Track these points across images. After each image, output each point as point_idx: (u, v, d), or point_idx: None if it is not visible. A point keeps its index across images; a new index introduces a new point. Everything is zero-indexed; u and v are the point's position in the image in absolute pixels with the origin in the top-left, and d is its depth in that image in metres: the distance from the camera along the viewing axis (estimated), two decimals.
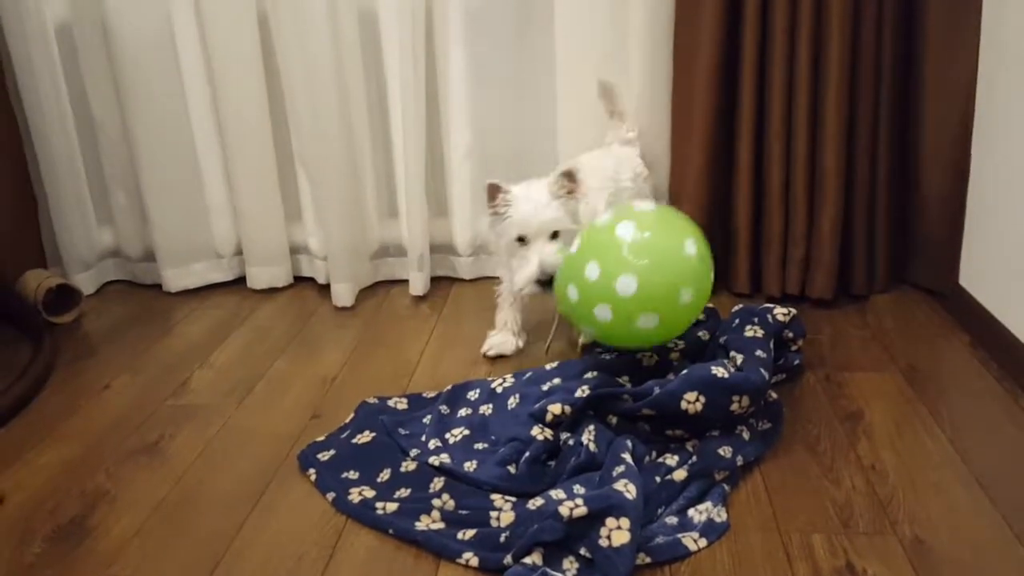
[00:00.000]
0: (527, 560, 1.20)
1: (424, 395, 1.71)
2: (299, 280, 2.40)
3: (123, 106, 2.22)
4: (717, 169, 2.06)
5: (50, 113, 2.22)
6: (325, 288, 2.28)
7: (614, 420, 1.50)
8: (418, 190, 2.19)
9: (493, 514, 1.32)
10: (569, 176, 1.68)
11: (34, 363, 1.88)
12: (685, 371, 1.47)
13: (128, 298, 2.36)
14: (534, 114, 2.20)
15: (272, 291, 2.35)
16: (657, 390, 1.45)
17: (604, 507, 1.21)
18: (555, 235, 1.67)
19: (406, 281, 2.30)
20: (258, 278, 2.34)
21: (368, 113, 2.23)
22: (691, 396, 1.43)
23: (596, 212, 1.77)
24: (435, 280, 2.33)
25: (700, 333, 1.74)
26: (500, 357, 1.88)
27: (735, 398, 1.44)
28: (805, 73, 1.92)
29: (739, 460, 1.42)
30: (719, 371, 1.45)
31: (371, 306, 2.23)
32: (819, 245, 2.01)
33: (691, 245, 1.51)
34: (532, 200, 1.67)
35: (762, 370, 1.50)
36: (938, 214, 2.02)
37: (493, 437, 1.52)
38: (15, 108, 2.23)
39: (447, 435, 1.54)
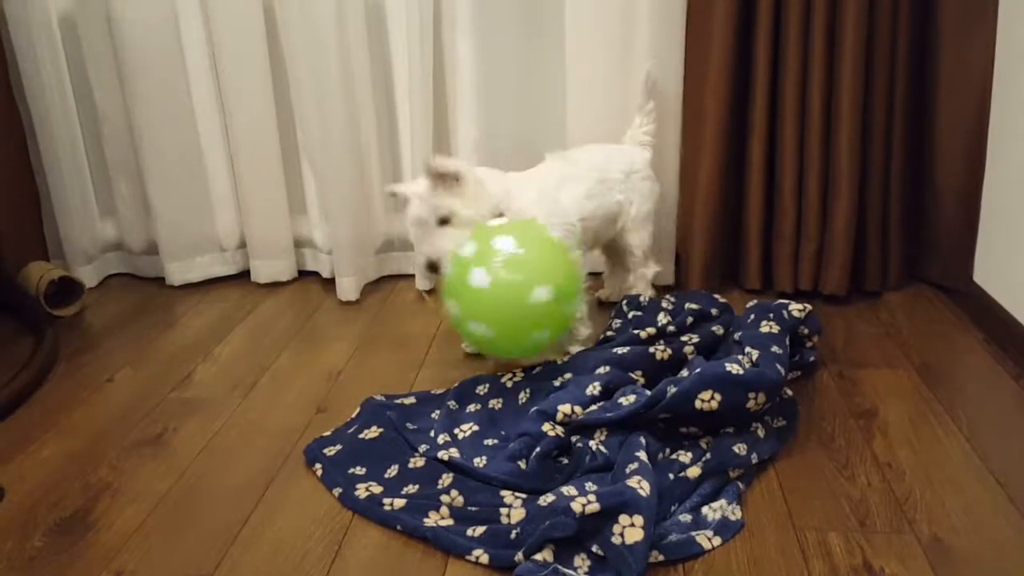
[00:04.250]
0: (538, 557, 1.17)
1: (432, 392, 1.69)
2: (303, 274, 2.37)
3: (127, 98, 2.20)
4: (729, 163, 2.04)
5: (53, 105, 2.20)
6: (330, 282, 2.26)
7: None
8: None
9: (503, 511, 1.29)
10: (431, 170, 1.68)
11: (36, 355, 1.86)
12: (699, 369, 1.44)
13: (131, 291, 2.34)
14: (543, 106, 2.17)
15: (276, 285, 2.33)
16: (672, 389, 1.42)
17: (617, 504, 1.18)
18: (445, 221, 1.68)
19: (412, 276, 2.27)
20: (262, 272, 2.32)
21: (374, 106, 2.20)
22: (706, 395, 1.40)
23: (571, 198, 1.82)
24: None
25: (714, 327, 1.72)
26: (478, 355, 1.86)
27: (751, 395, 1.42)
28: (819, 68, 1.90)
29: (754, 458, 1.39)
30: (734, 368, 1.42)
31: (376, 300, 2.21)
32: (832, 241, 1.99)
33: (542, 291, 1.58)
34: (413, 194, 1.71)
35: (778, 366, 1.48)
36: (953, 210, 2.00)
37: (503, 432, 1.50)
38: (18, 100, 2.21)
39: (456, 430, 1.52)
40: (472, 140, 2.17)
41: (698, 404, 1.39)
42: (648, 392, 1.45)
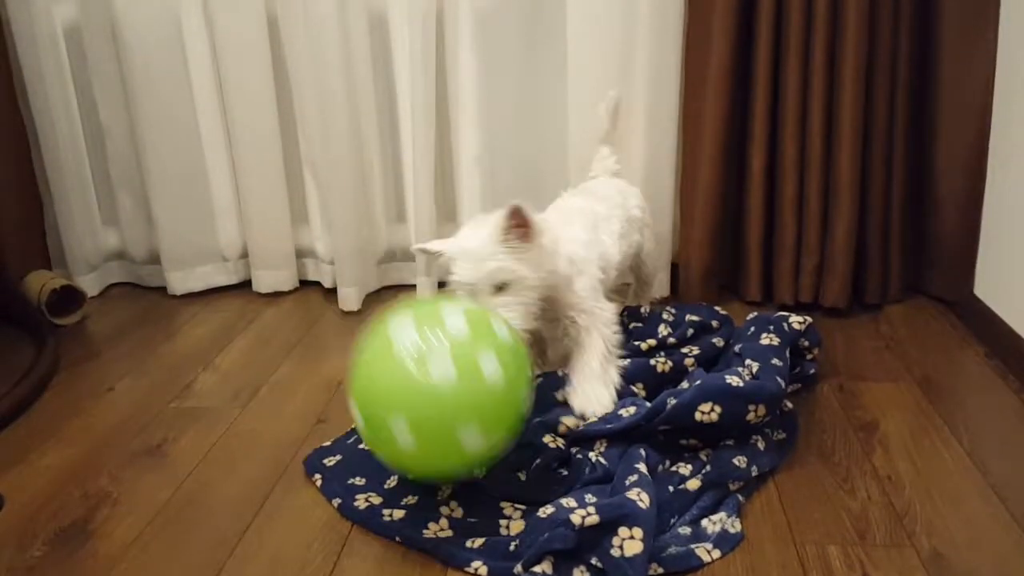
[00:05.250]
0: (537, 569, 1.17)
1: None
2: (305, 284, 2.38)
3: (131, 108, 2.21)
4: (729, 174, 2.04)
5: (57, 115, 2.21)
6: (331, 292, 2.26)
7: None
8: (427, 195, 2.17)
9: (503, 522, 1.29)
10: (516, 215, 1.40)
11: (37, 364, 1.86)
12: (699, 381, 1.44)
13: (132, 300, 2.34)
14: (545, 119, 2.18)
15: (277, 295, 2.33)
16: (672, 401, 1.42)
17: (617, 516, 1.18)
18: (502, 287, 1.43)
19: (413, 286, 2.28)
20: (264, 282, 2.33)
21: (377, 117, 2.21)
22: (706, 407, 1.40)
23: (612, 239, 1.67)
24: (442, 285, 2.30)
25: (715, 340, 1.72)
26: None
27: (751, 407, 1.41)
28: (820, 80, 1.91)
29: (754, 470, 1.39)
30: (733, 380, 1.42)
31: (378, 311, 2.20)
32: (833, 253, 1.99)
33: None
34: (466, 253, 1.44)
35: (778, 378, 1.47)
36: (953, 223, 2.00)
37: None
38: (22, 110, 2.22)
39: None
40: (474, 153, 2.18)
41: (698, 416, 1.39)
42: (648, 404, 1.44)
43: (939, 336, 1.94)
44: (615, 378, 1.54)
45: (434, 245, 1.50)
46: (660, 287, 2.14)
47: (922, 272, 2.11)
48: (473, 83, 2.13)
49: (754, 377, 1.48)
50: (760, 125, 1.98)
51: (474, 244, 1.43)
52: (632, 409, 1.44)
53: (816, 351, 1.73)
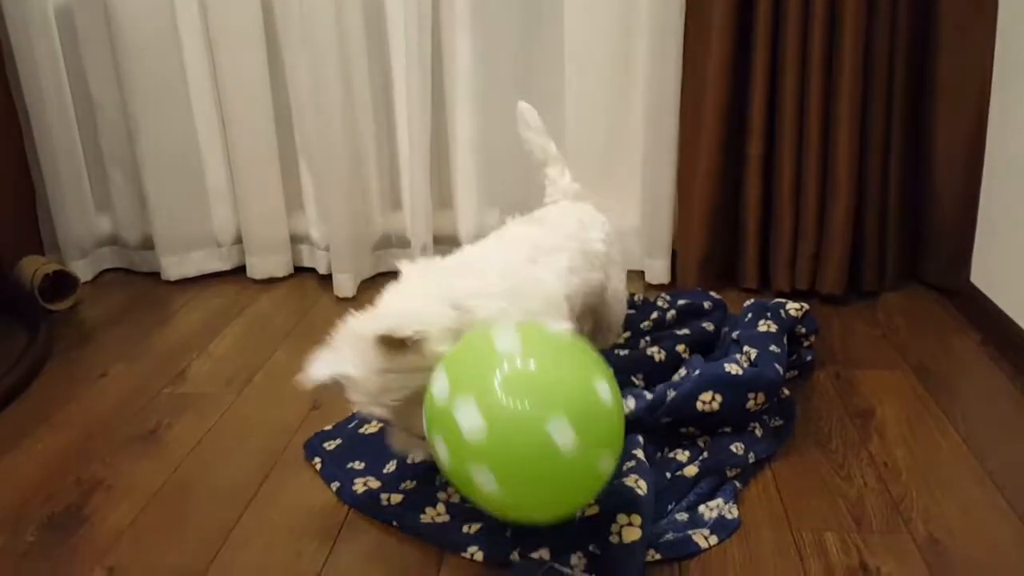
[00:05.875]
0: (534, 555, 1.17)
1: None
2: (300, 270, 2.36)
3: (123, 92, 2.19)
4: (727, 161, 2.03)
5: (50, 98, 2.19)
6: (326, 279, 2.25)
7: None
8: (422, 181, 2.16)
9: None
10: (388, 343, 1.15)
11: (30, 350, 1.85)
12: (698, 371, 1.44)
13: (125, 286, 2.33)
14: (541, 105, 2.14)
15: (272, 281, 2.32)
16: (671, 393, 1.41)
17: (615, 504, 1.18)
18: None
19: None
20: (258, 268, 2.31)
21: (372, 102, 2.19)
22: (707, 396, 1.40)
23: (553, 274, 1.38)
24: None
25: (705, 324, 1.71)
26: None
27: (751, 395, 1.42)
28: (818, 66, 1.90)
29: (751, 457, 1.39)
30: (732, 368, 1.42)
31: (373, 297, 2.19)
32: (830, 240, 1.99)
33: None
34: (355, 385, 1.20)
35: (776, 365, 1.47)
36: (950, 211, 1.99)
37: None
38: (14, 93, 2.20)
39: None
40: (470, 138, 2.17)
41: (699, 406, 1.39)
42: (648, 395, 1.44)
43: (935, 324, 1.94)
44: None
45: (322, 372, 1.23)
46: (660, 275, 2.08)
47: (918, 260, 2.11)
48: (469, 68, 2.11)
49: (752, 364, 1.48)
50: (758, 113, 1.97)
51: (361, 376, 1.18)
52: (632, 402, 1.44)
53: (813, 338, 1.73)
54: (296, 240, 2.35)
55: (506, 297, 1.27)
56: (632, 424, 1.40)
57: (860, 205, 2.00)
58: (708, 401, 1.40)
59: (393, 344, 1.14)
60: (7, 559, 1.26)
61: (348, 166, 2.17)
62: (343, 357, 1.20)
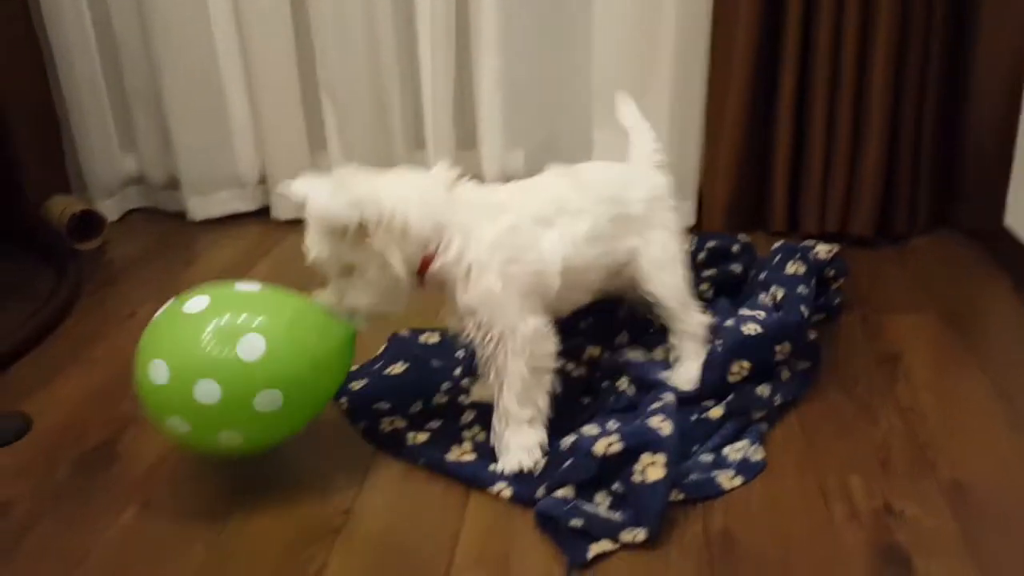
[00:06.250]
0: (559, 494, 1.18)
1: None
2: None
3: (146, 31, 2.17)
4: (756, 102, 1.99)
5: (73, 38, 2.18)
6: None
7: None
8: (445, 120, 2.14)
9: None
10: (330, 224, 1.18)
11: (59, 289, 1.87)
12: (719, 343, 1.40)
13: (152, 226, 2.34)
14: (568, 42, 2.12)
15: (296, 222, 2.30)
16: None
17: (639, 443, 1.18)
18: (349, 270, 1.24)
19: None
20: (282, 208, 2.31)
21: (396, 40, 2.16)
22: (735, 368, 1.38)
23: (563, 241, 1.30)
24: None
25: (732, 266, 1.70)
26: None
27: (777, 347, 1.40)
28: (854, 1, 1.84)
29: (777, 399, 1.39)
30: (750, 328, 1.40)
31: None
32: (861, 181, 1.95)
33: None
34: (313, 216, 1.22)
35: (802, 307, 1.46)
36: (986, 152, 1.94)
37: None
38: (38, 33, 2.18)
39: (481, 371, 1.51)
40: (495, 73, 2.13)
41: (731, 378, 1.38)
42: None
43: (966, 267, 1.91)
44: (542, 408, 1.29)
45: (299, 190, 1.24)
46: (685, 216, 2.02)
47: (951, 203, 2.07)
48: (494, 3, 2.07)
49: (776, 306, 1.46)
50: (791, 50, 1.92)
51: (323, 203, 1.18)
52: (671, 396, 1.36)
53: (841, 281, 1.71)
54: None
55: (488, 250, 1.24)
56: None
57: (893, 146, 1.95)
58: (737, 372, 1.38)
59: (335, 226, 1.17)
60: (42, 496, 1.29)
61: (371, 105, 2.15)
62: (316, 193, 1.20)
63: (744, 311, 1.48)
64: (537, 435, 1.28)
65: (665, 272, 1.41)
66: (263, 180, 2.34)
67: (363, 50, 2.09)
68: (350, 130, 2.15)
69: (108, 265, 2.11)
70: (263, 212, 2.35)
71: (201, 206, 2.32)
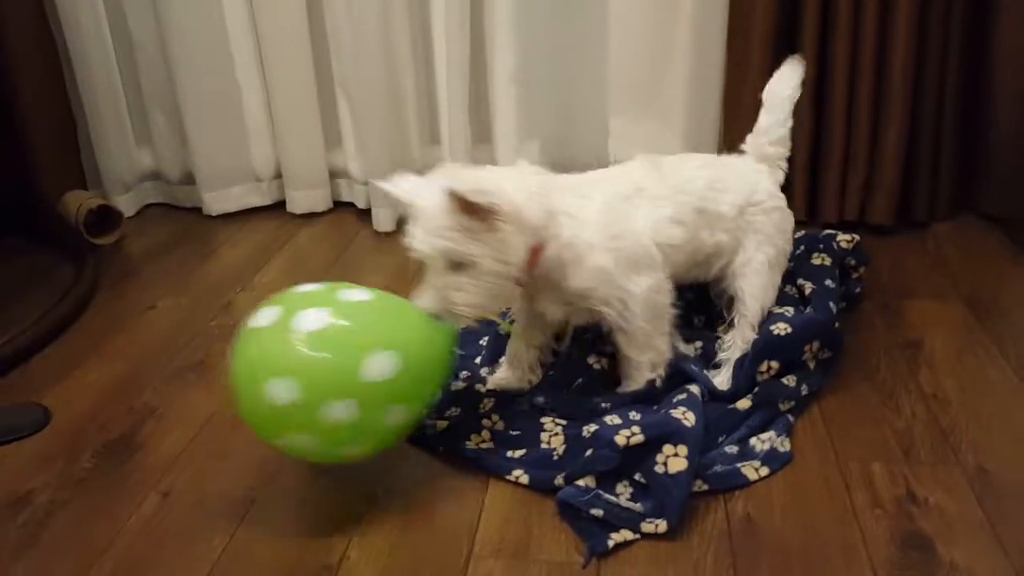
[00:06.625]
0: (580, 483, 1.18)
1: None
2: (339, 205, 2.36)
3: (162, 26, 2.17)
4: None
5: (89, 33, 2.18)
6: (365, 213, 2.24)
7: None
8: (460, 115, 2.13)
9: (544, 436, 1.30)
10: (457, 201, 1.14)
11: (78, 284, 1.88)
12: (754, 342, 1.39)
13: (168, 221, 2.34)
14: (584, 37, 2.11)
15: (312, 216, 2.32)
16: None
17: (661, 434, 1.18)
18: (458, 265, 1.19)
19: None
20: (298, 202, 2.31)
21: (411, 35, 2.15)
22: (763, 367, 1.36)
23: (651, 218, 1.32)
24: None
25: None
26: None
27: (806, 347, 1.39)
28: None
29: (804, 389, 1.37)
30: (779, 328, 1.38)
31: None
32: (881, 168, 1.93)
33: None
34: (422, 217, 1.20)
35: (831, 304, 1.45)
36: (1007, 137, 1.92)
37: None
38: (54, 29, 2.19)
39: (501, 359, 1.51)
40: (509, 70, 2.12)
41: (759, 377, 1.37)
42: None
43: (988, 254, 1.89)
44: (662, 351, 1.35)
45: (400, 188, 1.24)
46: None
47: (972, 188, 2.05)
48: None
49: (803, 299, 1.45)
50: (810, 37, 1.90)
51: (432, 205, 1.17)
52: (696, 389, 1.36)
53: (862, 270, 1.70)
54: (335, 175, 2.34)
55: (593, 227, 1.27)
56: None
57: (913, 132, 1.93)
58: (766, 371, 1.37)
59: (464, 205, 1.14)
60: (66, 484, 1.30)
61: (386, 100, 2.14)
62: (423, 188, 1.20)
63: (773, 308, 1.46)
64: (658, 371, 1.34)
65: (745, 279, 1.42)
66: (278, 175, 2.34)
67: (378, 46, 2.08)
68: (365, 125, 2.14)
69: (125, 260, 2.12)
70: (279, 206, 2.36)
71: (217, 201, 2.32)
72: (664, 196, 1.35)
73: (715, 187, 1.40)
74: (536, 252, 1.24)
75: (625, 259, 1.29)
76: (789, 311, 1.44)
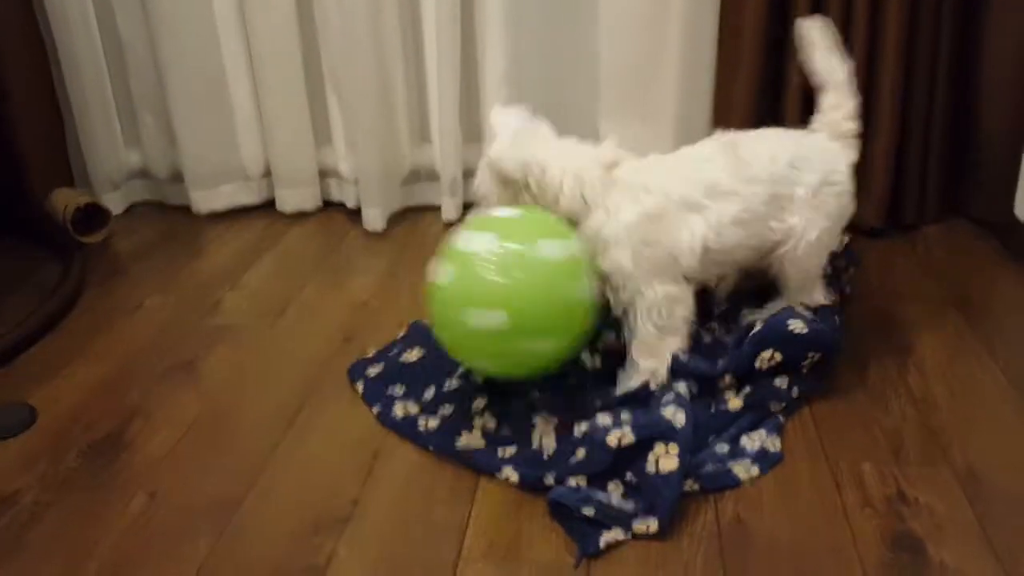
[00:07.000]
0: (571, 482, 1.18)
1: None
2: (329, 204, 2.35)
3: (150, 25, 2.15)
4: (765, 92, 1.97)
5: (77, 32, 2.16)
6: (355, 213, 2.23)
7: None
8: (451, 113, 2.12)
9: (535, 434, 1.30)
10: (496, 169, 1.36)
11: (64, 282, 1.87)
12: (760, 328, 1.38)
13: (156, 219, 2.33)
14: (574, 37, 2.11)
15: (301, 215, 2.30)
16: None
17: (652, 434, 1.18)
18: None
19: (438, 207, 2.25)
20: (287, 201, 2.30)
21: (401, 33, 2.14)
22: (767, 354, 1.35)
23: (703, 227, 1.33)
24: (468, 206, 2.28)
25: None
26: None
27: (810, 354, 1.37)
28: None
29: (795, 392, 1.37)
30: (796, 326, 1.36)
31: (403, 231, 2.19)
32: (871, 173, 1.93)
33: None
34: (487, 159, 1.41)
35: (836, 318, 1.46)
36: (996, 141, 1.93)
37: None
38: (42, 27, 2.18)
39: None
40: (501, 70, 2.12)
41: (758, 363, 1.35)
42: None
43: (977, 257, 1.90)
44: (665, 360, 1.35)
45: (495, 123, 1.44)
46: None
47: (961, 192, 2.06)
48: None
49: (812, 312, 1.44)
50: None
51: (495, 152, 1.38)
52: (702, 364, 1.38)
53: (852, 271, 1.70)
54: (325, 174, 2.33)
55: (624, 229, 1.31)
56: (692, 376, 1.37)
57: (903, 135, 1.94)
58: (768, 359, 1.35)
59: (499, 172, 1.35)
60: (49, 486, 1.28)
61: (376, 99, 2.13)
62: (503, 141, 1.39)
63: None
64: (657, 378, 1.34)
65: (808, 256, 1.40)
66: (268, 173, 2.33)
67: (368, 44, 2.07)
68: (355, 124, 2.13)
69: (113, 258, 2.10)
70: (268, 205, 2.34)
71: (205, 199, 2.30)
72: (737, 191, 1.33)
73: (795, 165, 1.37)
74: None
75: (647, 266, 1.32)
76: (808, 314, 1.42)
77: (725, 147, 1.38)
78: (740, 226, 1.34)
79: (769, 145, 1.40)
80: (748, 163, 1.35)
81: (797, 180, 1.37)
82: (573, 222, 1.34)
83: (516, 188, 1.35)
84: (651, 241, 1.31)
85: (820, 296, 1.46)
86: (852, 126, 1.45)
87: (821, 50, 1.47)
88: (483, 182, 1.41)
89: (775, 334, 1.36)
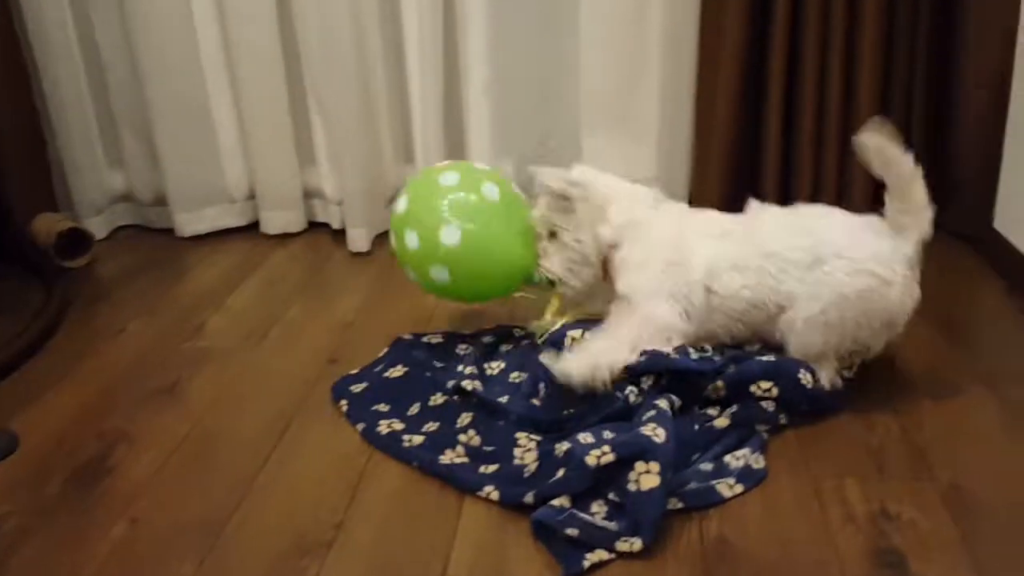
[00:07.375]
0: (555, 503, 1.17)
1: (461, 332, 1.69)
2: (313, 225, 2.35)
3: (132, 47, 2.16)
4: (745, 111, 2.00)
5: (59, 54, 2.17)
6: (340, 233, 2.24)
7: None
8: (435, 129, 2.14)
9: (517, 452, 1.30)
10: (547, 190, 1.50)
11: (47, 306, 1.86)
12: (772, 358, 1.39)
13: (140, 242, 2.33)
14: (556, 48, 2.13)
15: (286, 236, 2.31)
16: (732, 367, 1.38)
17: (633, 452, 1.17)
18: (553, 235, 1.51)
19: None
20: (272, 223, 2.30)
21: (384, 53, 2.16)
22: (766, 384, 1.35)
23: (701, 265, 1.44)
24: None
25: None
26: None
27: (807, 406, 1.38)
28: (840, 8, 1.85)
29: (782, 419, 1.36)
30: (805, 378, 1.36)
31: (387, 252, 2.16)
32: (851, 185, 1.96)
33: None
34: (543, 189, 1.52)
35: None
36: (973, 155, 1.95)
37: (527, 373, 1.48)
38: (23, 50, 2.18)
39: (485, 365, 1.52)
40: (483, 83, 2.13)
41: (753, 389, 1.35)
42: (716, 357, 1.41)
43: (958, 271, 1.91)
44: (603, 371, 1.35)
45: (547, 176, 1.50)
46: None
47: (941, 207, 2.07)
48: (483, 10, 2.07)
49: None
50: (778, 59, 1.93)
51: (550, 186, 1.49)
52: (695, 356, 1.40)
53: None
54: (309, 195, 2.33)
55: (659, 269, 1.44)
56: (683, 380, 1.37)
57: None
58: (767, 389, 1.35)
59: (554, 194, 1.48)
60: (32, 512, 1.27)
61: (360, 119, 2.14)
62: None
63: None
64: (578, 368, 1.35)
65: (801, 335, 1.39)
66: (252, 195, 2.33)
67: (351, 64, 2.08)
68: (339, 145, 2.14)
69: (96, 282, 2.09)
70: (253, 227, 2.34)
71: (190, 222, 2.31)
72: (736, 233, 1.46)
73: (811, 234, 1.40)
74: (607, 258, 1.49)
75: (667, 290, 1.43)
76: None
77: (762, 214, 1.51)
78: (738, 272, 1.42)
79: (793, 217, 1.48)
80: (761, 224, 1.47)
81: (802, 246, 1.39)
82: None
83: (561, 207, 1.48)
84: (676, 262, 1.44)
85: (824, 379, 1.39)
86: (908, 220, 1.44)
87: (886, 151, 1.45)
88: (539, 205, 1.53)
89: (782, 373, 1.36)
